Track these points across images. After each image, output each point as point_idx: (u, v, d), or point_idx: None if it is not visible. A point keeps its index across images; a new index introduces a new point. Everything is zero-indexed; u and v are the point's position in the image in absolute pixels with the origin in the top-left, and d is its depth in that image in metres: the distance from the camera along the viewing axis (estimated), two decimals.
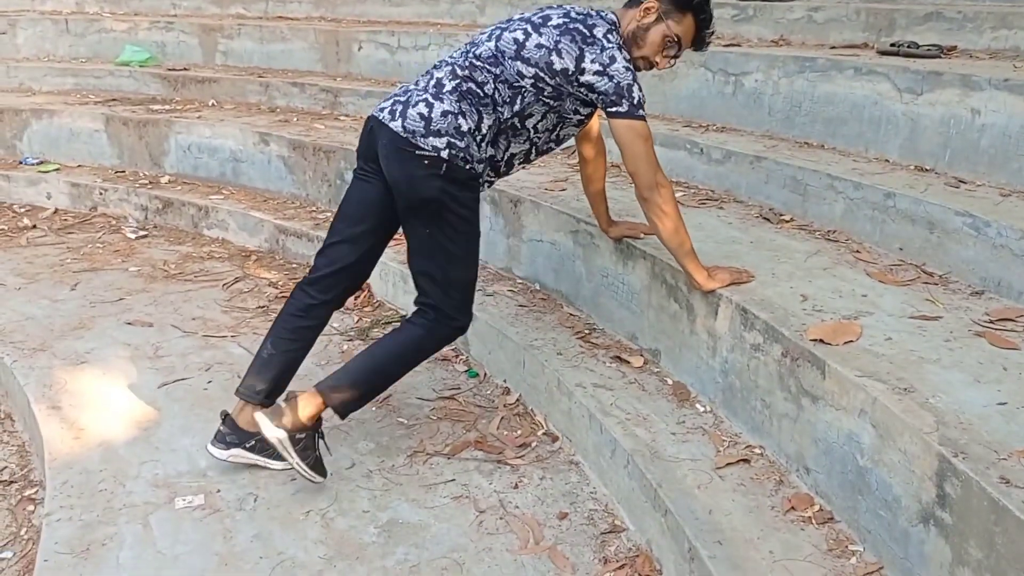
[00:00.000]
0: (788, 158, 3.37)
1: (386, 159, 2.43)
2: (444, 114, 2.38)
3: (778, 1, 4.75)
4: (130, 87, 6.53)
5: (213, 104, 6.12)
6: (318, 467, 2.52)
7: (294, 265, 4.45)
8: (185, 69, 6.64)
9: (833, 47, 4.17)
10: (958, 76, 3.05)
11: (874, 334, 2.23)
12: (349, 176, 4.58)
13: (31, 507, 2.64)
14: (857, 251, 2.87)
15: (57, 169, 5.66)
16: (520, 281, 3.60)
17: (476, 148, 2.43)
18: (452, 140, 2.37)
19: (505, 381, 3.18)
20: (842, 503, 2.07)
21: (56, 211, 5.35)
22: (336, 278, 2.61)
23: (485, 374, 3.28)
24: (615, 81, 2.34)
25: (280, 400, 2.56)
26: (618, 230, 2.98)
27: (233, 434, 2.57)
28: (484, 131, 2.44)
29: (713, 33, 2.54)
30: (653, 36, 2.44)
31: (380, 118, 2.44)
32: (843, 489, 2.06)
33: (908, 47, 3.67)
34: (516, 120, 2.47)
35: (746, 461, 2.34)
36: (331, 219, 4.55)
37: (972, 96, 2.99)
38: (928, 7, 4.07)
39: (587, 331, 3.13)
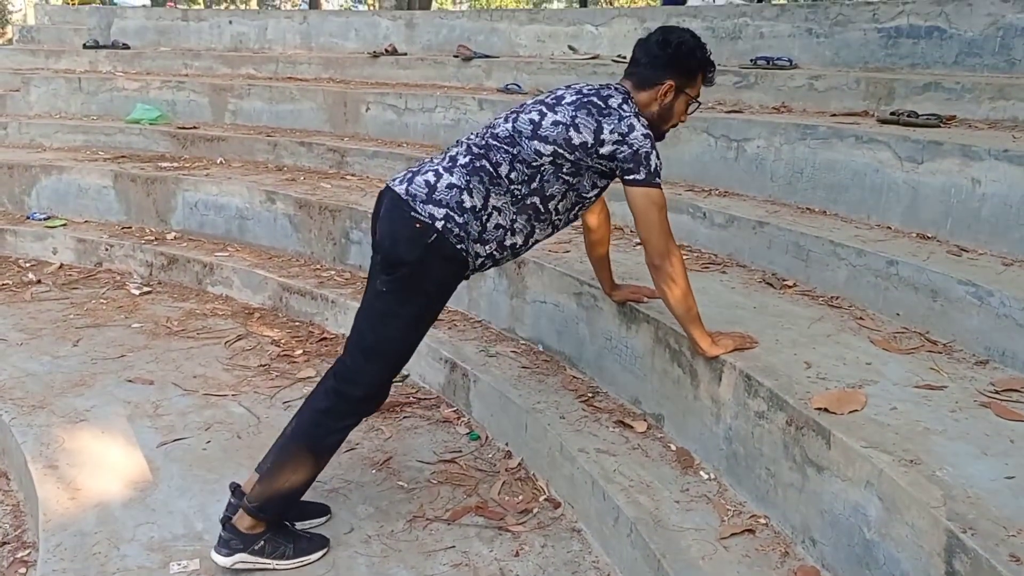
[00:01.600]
0: (790, 224, 3.39)
1: (382, 219, 2.42)
2: (450, 187, 2.37)
3: (779, 69, 4.83)
4: (140, 144, 6.62)
5: (221, 162, 6.19)
6: (302, 551, 2.47)
7: (297, 323, 4.45)
8: (195, 127, 6.74)
9: (834, 115, 4.23)
10: (958, 146, 3.09)
11: (879, 403, 2.21)
12: (355, 235, 4.64)
13: (23, 570, 2.59)
14: (860, 318, 2.86)
15: (64, 224, 5.70)
16: (523, 342, 3.60)
17: (477, 227, 2.39)
18: (451, 213, 2.35)
19: (507, 444, 3.16)
20: None
21: (61, 266, 5.37)
22: None
23: (487, 437, 3.25)
24: (634, 148, 2.35)
25: (220, 531, 2.44)
26: (622, 294, 2.98)
27: (236, 539, 2.42)
28: (490, 210, 2.40)
29: (715, 71, 2.59)
30: (678, 107, 2.52)
31: (390, 184, 2.45)
32: (850, 563, 2.03)
33: (908, 116, 3.72)
34: (538, 201, 2.43)
35: (751, 531, 2.30)
36: (334, 276, 4.61)
37: (972, 166, 3.02)
38: (927, 77, 4.14)
39: (590, 394, 3.11)
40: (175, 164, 6.10)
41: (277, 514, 2.47)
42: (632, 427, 2.86)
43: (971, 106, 3.87)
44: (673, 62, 2.47)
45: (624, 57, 6.02)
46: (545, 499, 2.83)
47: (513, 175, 2.40)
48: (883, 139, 3.39)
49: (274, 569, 2.43)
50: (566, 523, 2.71)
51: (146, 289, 4.98)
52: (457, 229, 2.35)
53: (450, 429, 3.33)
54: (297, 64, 7.70)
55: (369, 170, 5.63)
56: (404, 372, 3.65)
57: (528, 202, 2.43)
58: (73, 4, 11.88)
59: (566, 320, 3.34)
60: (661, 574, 2.17)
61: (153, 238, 5.46)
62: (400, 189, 2.40)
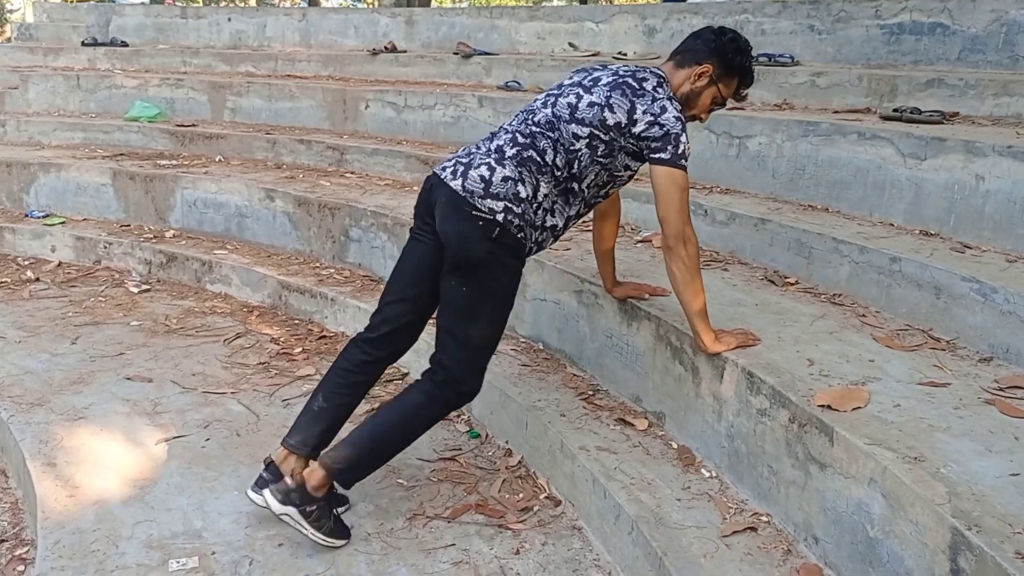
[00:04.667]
0: (792, 221, 3.37)
1: (442, 216, 2.46)
2: (505, 179, 2.42)
3: (781, 66, 4.81)
4: (138, 142, 6.60)
5: (220, 160, 6.18)
6: (333, 532, 2.51)
7: (296, 321, 4.43)
8: (193, 125, 6.72)
9: (836, 111, 4.22)
10: (961, 142, 3.07)
11: (882, 400, 2.20)
12: (354, 233, 4.63)
13: (21, 567, 2.58)
14: (863, 315, 2.85)
15: (63, 222, 5.69)
16: (523, 340, 3.58)
17: (532, 215, 2.46)
18: (509, 205, 2.40)
19: (507, 442, 3.14)
20: (852, 575, 2.02)
21: (60, 264, 5.35)
22: (392, 336, 2.65)
23: (487, 435, 3.24)
24: (665, 129, 2.39)
25: (287, 477, 2.54)
26: (623, 290, 2.97)
27: (297, 492, 2.50)
28: (541, 199, 2.47)
29: (750, 86, 2.63)
30: (704, 99, 2.56)
31: (441, 177, 2.47)
32: (853, 561, 2.01)
33: (910, 113, 3.70)
34: (574, 184, 2.51)
35: (753, 529, 2.29)
36: (333, 274, 4.60)
37: (976, 162, 3.01)
38: (930, 74, 4.13)
39: (591, 392, 3.09)
40: (174, 162, 6.09)
41: (353, 481, 2.57)
42: (633, 425, 2.85)
43: (974, 102, 3.85)
44: (720, 50, 2.52)
45: (624, 54, 6.02)
46: (546, 497, 2.82)
47: (558, 160, 2.47)
48: (886, 136, 3.37)
49: (305, 534, 2.48)
50: (567, 521, 2.70)
51: (145, 287, 4.96)
52: (516, 220, 2.42)
53: (450, 427, 3.32)
54: (296, 62, 7.68)
55: (368, 168, 5.62)
56: (404, 370, 3.64)
57: (567, 186, 2.51)
58: (71, 1, 11.85)
59: (566, 318, 3.32)
60: (663, 572, 2.16)
61: (152, 236, 5.44)
62: (456, 185, 2.43)
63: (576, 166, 2.47)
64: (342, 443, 2.55)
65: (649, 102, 2.42)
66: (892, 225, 3.30)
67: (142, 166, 5.86)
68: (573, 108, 2.47)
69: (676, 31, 5.91)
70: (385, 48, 7.36)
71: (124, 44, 8.56)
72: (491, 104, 5.46)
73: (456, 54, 6.80)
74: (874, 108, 4.14)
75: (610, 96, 2.44)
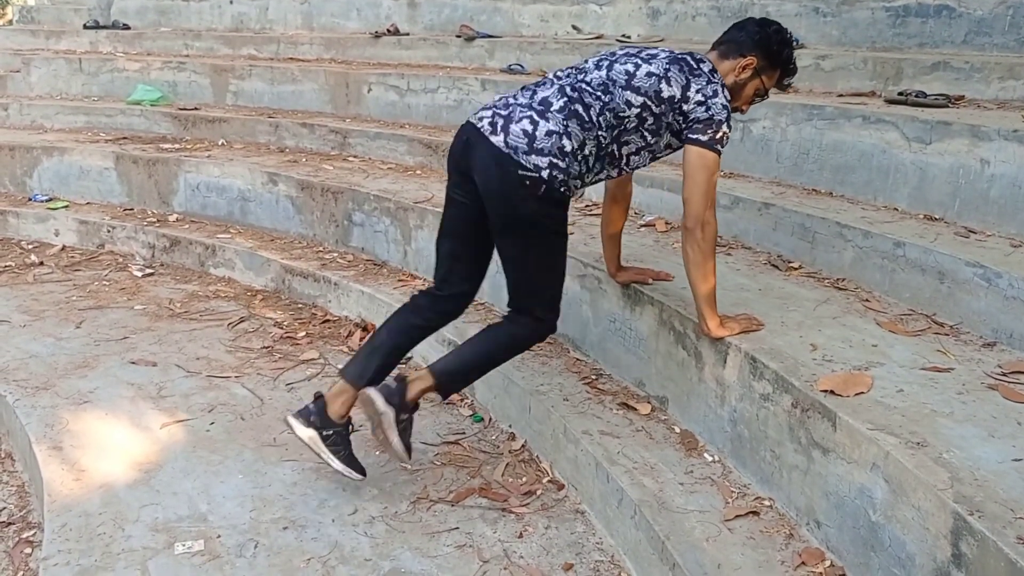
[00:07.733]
0: (796, 205, 3.37)
1: (484, 173, 2.42)
2: (549, 133, 2.36)
3: None
4: (141, 126, 6.59)
5: (223, 144, 6.17)
6: (349, 462, 2.66)
7: (300, 305, 4.44)
8: (196, 109, 6.70)
9: (840, 95, 4.20)
10: (967, 126, 3.06)
11: (885, 386, 2.20)
12: (357, 217, 4.62)
13: (28, 550, 2.60)
14: (867, 300, 2.85)
15: (66, 206, 5.69)
16: None
17: (577, 167, 2.43)
18: (554, 160, 2.36)
19: (511, 426, 3.15)
20: (854, 559, 2.03)
21: (64, 248, 5.36)
22: (454, 295, 2.75)
23: (490, 419, 3.25)
24: (710, 113, 2.40)
25: (310, 403, 2.67)
26: (626, 275, 2.97)
27: (318, 417, 2.63)
28: (585, 153, 2.44)
29: (793, 77, 2.67)
30: (748, 91, 2.58)
31: (479, 128, 2.43)
32: (855, 545, 2.02)
33: (916, 96, 3.69)
34: (615, 147, 2.49)
35: (755, 513, 2.30)
36: (337, 258, 4.60)
37: (981, 146, 2.99)
38: (935, 57, 4.10)
39: (594, 377, 3.10)
40: (177, 146, 6.08)
41: (451, 390, 2.79)
42: (636, 409, 2.86)
43: (980, 86, 3.83)
44: (765, 43, 2.54)
45: (628, 37, 5.98)
46: (549, 481, 2.83)
47: (602, 120, 2.44)
48: (891, 119, 3.36)
49: (323, 460, 2.64)
50: (570, 505, 2.71)
51: (148, 271, 4.97)
52: (561, 175, 2.39)
53: (454, 411, 3.33)
54: (298, 45, 7.64)
55: (371, 151, 5.60)
56: (408, 355, 3.64)
57: (609, 150, 2.49)
58: None
59: (569, 302, 3.31)
60: (665, 556, 2.17)
61: (155, 220, 5.45)
62: (497, 140, 2.37)
63: (620, 130, 2.46)
64: (445, 359, 2.71)
65: (704, 83, 2.43)
66: (896, 210, 3.29)
67: (145, 150, 5.85)
68: (630, 76, 2.45)
69: (680, 13, 5.88)
70: (388, 31, 7.32)
71: (126, 27, 8.52)
72: (494, 87, 5.44)
73: (459, 37, 6.77)
74: (879, 91, 4.11)
75: (668, 69, 2.44)
